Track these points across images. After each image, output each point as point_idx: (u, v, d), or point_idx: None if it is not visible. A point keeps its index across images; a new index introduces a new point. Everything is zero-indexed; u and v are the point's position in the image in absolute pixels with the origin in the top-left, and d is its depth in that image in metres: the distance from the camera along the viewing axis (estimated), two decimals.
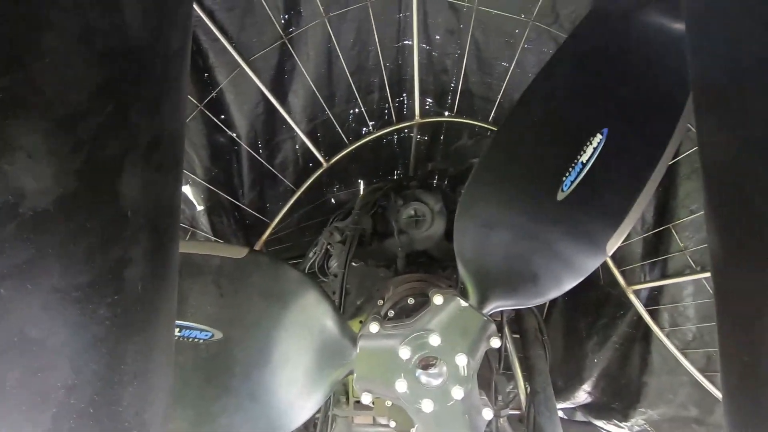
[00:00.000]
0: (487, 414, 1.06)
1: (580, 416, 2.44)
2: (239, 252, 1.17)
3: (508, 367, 2.18)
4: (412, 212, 1.69)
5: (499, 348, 1.74)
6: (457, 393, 1.04)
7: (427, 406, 1.05)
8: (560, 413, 2.54)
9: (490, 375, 1.52)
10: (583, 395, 2.25)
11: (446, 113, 2.08)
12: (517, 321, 2.19)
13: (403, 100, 2.08)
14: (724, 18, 0.66)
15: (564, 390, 2.34)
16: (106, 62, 0.54)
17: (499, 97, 1.88)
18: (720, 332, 0.64)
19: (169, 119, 0.71)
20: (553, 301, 2.40)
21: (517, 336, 2.21)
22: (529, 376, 1.98)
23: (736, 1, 0.63)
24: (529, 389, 1.94)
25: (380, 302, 1.47)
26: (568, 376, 2.29)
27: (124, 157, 0.58)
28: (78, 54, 0.50)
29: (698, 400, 1.75)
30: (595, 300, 2.09)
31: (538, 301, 1.14)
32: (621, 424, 2.06)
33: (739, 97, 0.64)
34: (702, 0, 0.71)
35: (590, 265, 1.13)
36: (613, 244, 1.15)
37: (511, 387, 2.50)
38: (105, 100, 0.54)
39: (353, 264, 1.62)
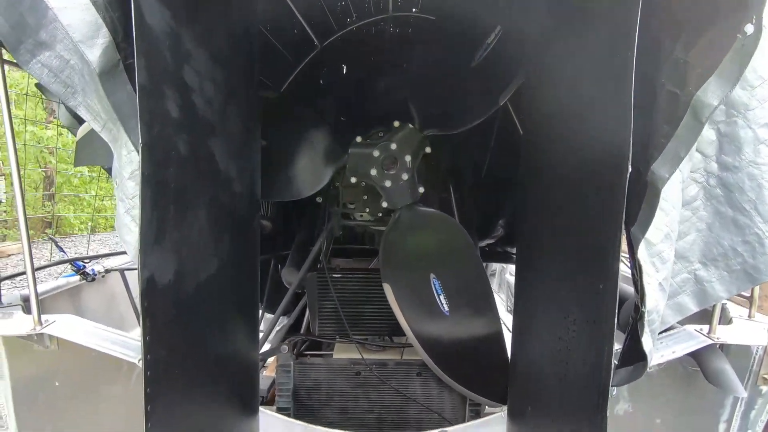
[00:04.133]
0: (421, 189, 1.90)
1: (498, 248, 3.44)
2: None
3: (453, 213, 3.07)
4: None
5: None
6: (404, 177, 1.87)
7: (387, 183, 1.86)
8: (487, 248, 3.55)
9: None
10: (499, 229, 3.20)
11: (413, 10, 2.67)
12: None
13: None
14: None
15: (490, 227, 3.28)
16: None
17: None
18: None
19: None
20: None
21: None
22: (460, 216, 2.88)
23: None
24: None
25: None
26: (492, 216, 3.22)
27: None
28: None
29: None
30: (516, 155, 2.90)
31: (460, 128, 1.89)
32: None
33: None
34: None
35: (491, 106, 1.88)
36: (504, 97, 1.90)
37: None
38: None
39: None
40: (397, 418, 2.37)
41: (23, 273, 2.02)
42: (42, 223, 9.92)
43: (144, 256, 0.89)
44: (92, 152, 1.88)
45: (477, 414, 2.42)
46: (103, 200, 11.97)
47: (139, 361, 1.60)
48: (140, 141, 0.88)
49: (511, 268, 5.28)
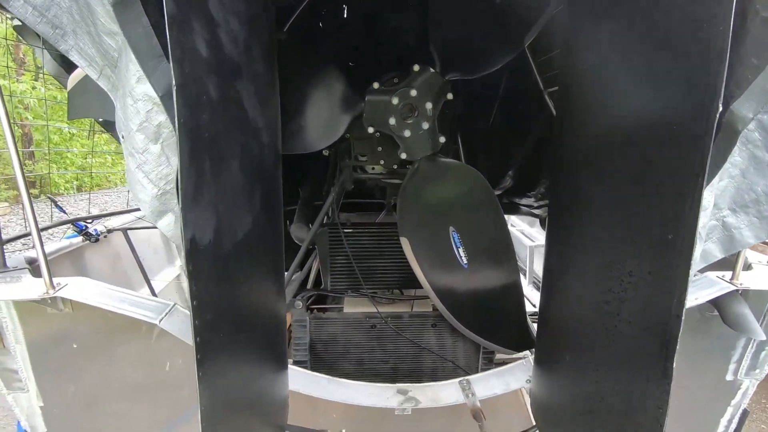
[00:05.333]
0: (442, 138, 1.81)
1: (504, 199, 3.41)
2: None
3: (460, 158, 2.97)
4: None
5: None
6: (425, 126, 1.76)
7: (407, 133, 1.76)
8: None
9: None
10: (507, 180, 3.14)
11: None
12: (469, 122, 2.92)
13: None
14: None
15: (498, 177, 3.22)
16: None
17: None
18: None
19: None
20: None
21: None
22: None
23: None
24: None
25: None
26: (501, 167, 3.14)
27: None
28: None
29: None
30: (526, 105, 2.79)
31: (483, 72, 1.76)
32: (529, 194, 3.00)
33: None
34: None
35: (517, 46, 1.75)
36: (529, 38, 1.77)
37: None
38: None
39: None
40: (413, 368, 2.42)
41: (27, 235, 1.93)
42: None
43: (186, 213, 0.82)
44: (86, 103, 1.73)
45: (490, 361, 2.49)
46: (87, 158, 11.56)
47: (160, 321, 1.57)
48: (173, 82, 0.77)
49: (513, 219, 5.31)
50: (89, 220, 2.31)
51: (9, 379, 1.69)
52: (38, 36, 1.92)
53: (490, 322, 2.13)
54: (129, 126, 1.26)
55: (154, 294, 2.81)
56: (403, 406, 1.73)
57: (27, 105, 8.78)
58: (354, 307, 2.50)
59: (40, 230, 1.51)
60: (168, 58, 0.78)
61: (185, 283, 3.15)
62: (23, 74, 9.20)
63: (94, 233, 2.26)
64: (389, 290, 2.70)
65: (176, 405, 1.78)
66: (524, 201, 3.16)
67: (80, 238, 2.24)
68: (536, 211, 3.21)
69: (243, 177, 1.02)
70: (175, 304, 1.65)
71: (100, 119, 2.14)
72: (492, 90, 2.76)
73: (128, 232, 2.53)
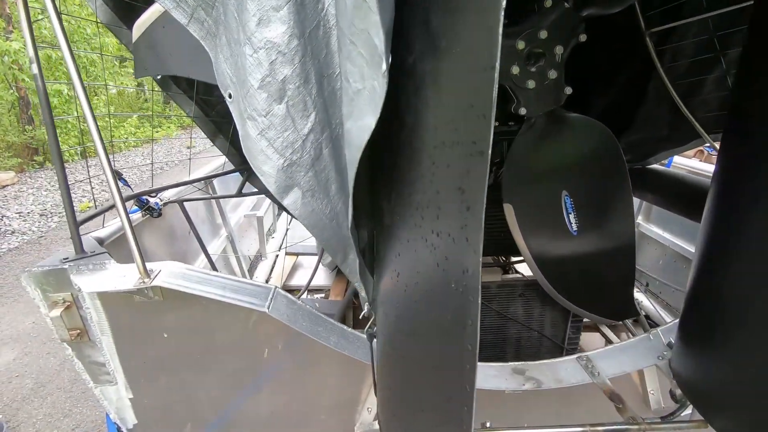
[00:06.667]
0: (568, 90, 1.55)
1: None
2: None
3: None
4: None
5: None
6: (552, 75, 1.50)
7: (530, 84, 1.51)
8: None
9: None
10: None
11: None
12: None
13: None
14: None
15: None
16: None
17: None
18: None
19: None
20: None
21: None
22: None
23: None
24: None
25: None
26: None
27: None
28: None
29: (672, 122, 2.38)
30: (614, 45, 2.47)
31: (618, 6, 1.47)
32: None
33: None
34: None
35: None
36: None
37: None
38: None
39: None
40: (499, 340, 2.30)
41: (103, 211, 1.72)
42: (28, 150, 9.20)
43: None
44: (154, 57, 1.45)
45: (578, 330, 2.36)
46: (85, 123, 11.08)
47: (269, 308, 1.40)
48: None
49: None
50: (153, 194, 2.09)
51: (96, 372, 1.54)
52: None
53: (594, 291, 1.97)
54: (248, 82, 1.02)
55: (215, 268, 2.65)
56: (524, 387, 1.59)
57: (21, 66, 8.22)
58: None
59: (126, 202, 1.30)
60: None
61: (232, 257, 2.96)
62: (12, 32, 8.55)
63: (155, 207, 2.06)
64: None
65: (275, 392, 1.65)
66: None
67: (140, 213, 2.04)
68: None
69: None
70: (276, 287, 1.47)
71: (158, 76, 1.86)
72: None
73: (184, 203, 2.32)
